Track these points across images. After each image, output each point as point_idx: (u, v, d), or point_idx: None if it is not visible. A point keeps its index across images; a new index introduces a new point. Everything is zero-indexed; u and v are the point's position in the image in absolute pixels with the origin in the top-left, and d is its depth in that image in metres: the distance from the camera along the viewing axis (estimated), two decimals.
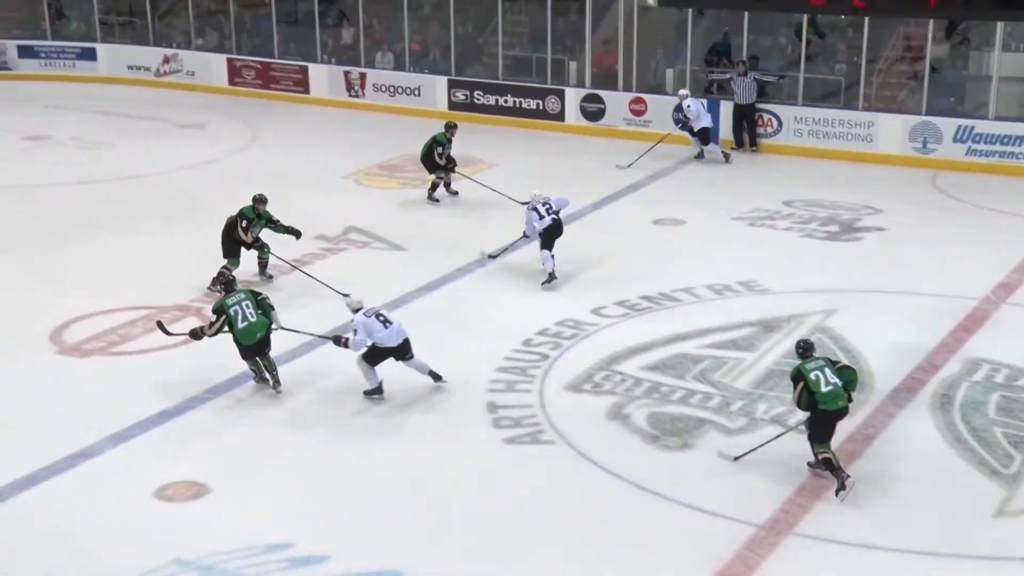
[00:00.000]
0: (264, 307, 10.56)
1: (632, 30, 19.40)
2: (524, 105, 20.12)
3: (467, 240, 14.39)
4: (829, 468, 8.94)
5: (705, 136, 17.93)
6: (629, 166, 17.33)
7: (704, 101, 18.16)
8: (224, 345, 10.97)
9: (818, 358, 9.15)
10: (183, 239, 14.19)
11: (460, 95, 20.75)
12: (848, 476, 8.90)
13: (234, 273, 12.01)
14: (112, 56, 23.26)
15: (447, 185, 16.43)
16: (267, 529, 8.44)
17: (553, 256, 13.01)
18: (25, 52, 23.28)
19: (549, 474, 9.29)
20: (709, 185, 16.90)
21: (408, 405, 10.33)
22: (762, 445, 9.34)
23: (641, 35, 19.42)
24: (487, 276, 13.41)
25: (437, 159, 16.08)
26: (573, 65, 20.20)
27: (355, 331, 10.29)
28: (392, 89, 21.35)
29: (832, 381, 8.94)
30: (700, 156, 18.10)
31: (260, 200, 12.99)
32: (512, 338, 11.58)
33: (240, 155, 18.54)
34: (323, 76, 21.83)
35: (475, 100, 20.65)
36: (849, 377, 9.10)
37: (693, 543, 8.36)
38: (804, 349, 9.21)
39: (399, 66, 21.59)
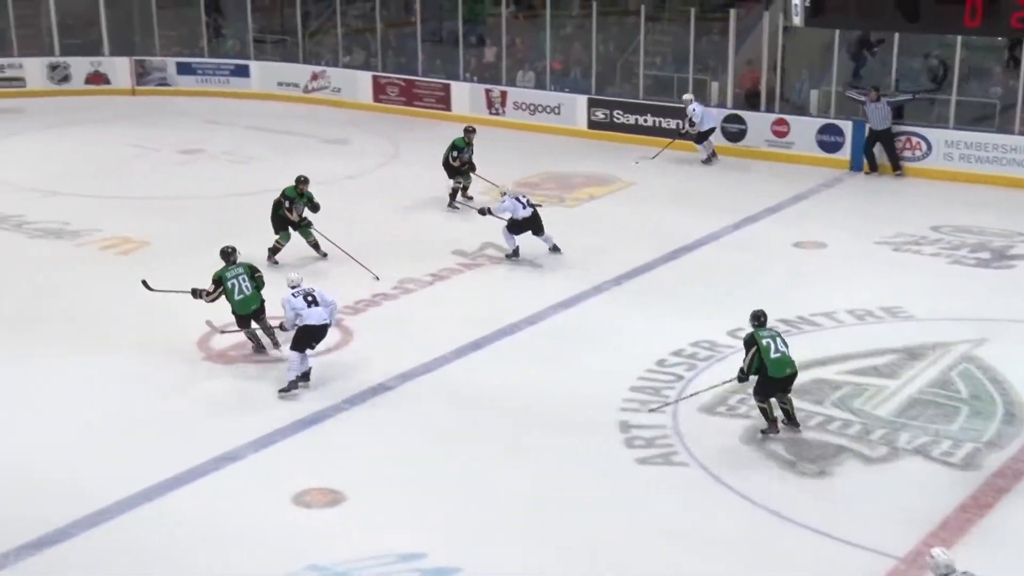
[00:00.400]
0: (258, 282, 11.48)
1: (777, 50, 19.12)
2: (664, 125, 20.01)
3: (602, 258, 14.35)
4: (764, 416, 9.97)
5: (704, 136, 18.68)
6: (636, 163, 17.62)
7: (712, 110, 18.94)
8: (362, 356, 11.16)
9: (770, 328, 10.04)
10: (323, 250, 14.46)
11: (600, 114, 20.74)
12: (778, 432, 9.83)
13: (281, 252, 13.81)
14: (264, 73, 23.97)
15: (464, 190, 16.40)
16: (401, 539, 8.53)
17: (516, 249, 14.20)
18: (184, 69, 24.15)
19: (681, 496, 9.18)
20: (852, 208, 16.51)
21: (540, 421, 10.33)
22: (695, 394, 10.15)
23: (786, 55, 19.12)
24: (621, 295, 13.34)
25: (452, 162, 16.16)
26: (715, 85, 20.00)
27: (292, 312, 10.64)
28: (532, 107, 21.48)
29: (780, 349, 9.81)
30: (708, 162, 18.79)
31: (302, 181, 14.20)
32: (646, 358, 11.48)
33: (382, 170, 18.87)
34: (465, 94, 22.10)
35: (615, 119, 20.61)
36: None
37: (830, 574, 8.14)
38: (758, 319, 10.06)
39: (540, 84, 21.70)
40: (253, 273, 11.54)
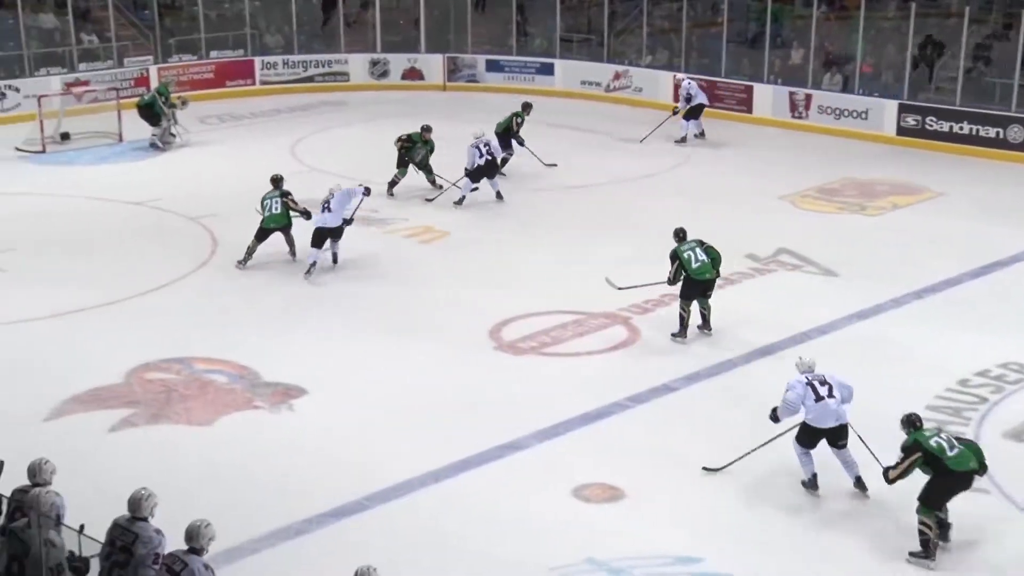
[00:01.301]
0: (284, 205, 13.80)
1: None
2: (982, 133, 18.79)
3: (903, 270, 13.67)
4: (683, 325, 11.66)
5: (696, 111, 19.66)
6: (642, 140, 17.57)
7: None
8: (648, 356, 11.09)
9: (691, 241, 11.68)
10: (614, 250, 14.50)
11: (911, 120, 19.74)
12: (685, 337, 11.60)
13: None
14: (568, 71, 24.32)
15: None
16: (678, 541, 8.44)
17: (475, 189, 16.30)
18: (492, 66, 24.88)
19: (982, 525, 8.59)
20: None
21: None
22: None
23: None
24: (923, 309, 12.67)
25: (516, 128, 17.70)
26: None
27: None
28: (838, 112, 20.73)
29: (700, 259, 11.57)
30: (682, 141, 19.65)
31: (427, 129, 16.82)
32: (946, 376, 10.84)
33: (677, 170, 18.74)
34: (767, 96, 21.60)
35: (927, 126, 19.56)
36: (713, 255, 11.71)
37: None
38: (679, 235, 11.81)
39: (847, 88, 20.92)
40: (284, 196, 13.88)
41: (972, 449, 8.37)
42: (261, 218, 13.91)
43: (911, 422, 8.55)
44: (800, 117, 21.14)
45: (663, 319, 12.43)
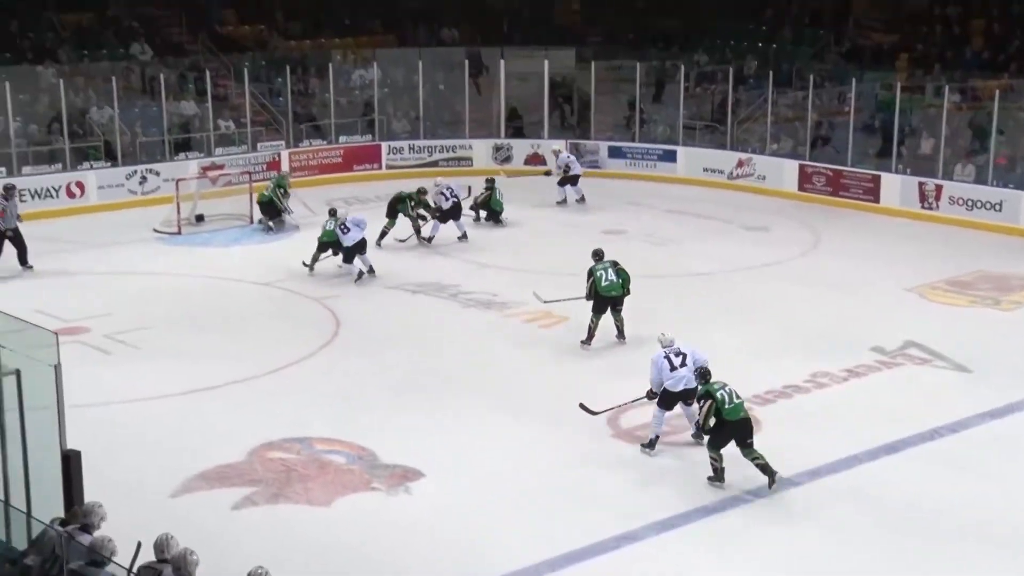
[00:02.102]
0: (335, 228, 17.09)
1: None
2: None
3: None
4: (590, 334, 13.77)
5: (574, 180, 21.75)
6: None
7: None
8: (769, 449, 10.91)
9: (605, 262, 13.85)
10: (735, 339, 14.33)
11: None
12: (589, 345, 13.86)
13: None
14: (690, 158, 24.39)
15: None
16: None
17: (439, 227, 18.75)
18: (614, 152, 25.09)
19: None
20: None
21: (959, 535, 9.60)
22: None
23: None
24: None
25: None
26: None
27: None
28: (970, 203, 20.31)
29: (611, 278, 13.78)
30: (563, 203, 21.75)
31: (423, 192, 18.88)
32: None
33: (801, 259, 18.55)
34: (895, 186, 21.30)
35: None
36: (624, 276, 13.94)
37: None
38: (596, 256, 14.08)
39: (980, 179, 20.51)
40: (334, 215, 17.39)
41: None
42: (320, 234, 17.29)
43: (703, 375, 10.85)
44: (930, 208, 20.76)
45: (785, 411, 12.22)
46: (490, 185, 20.81)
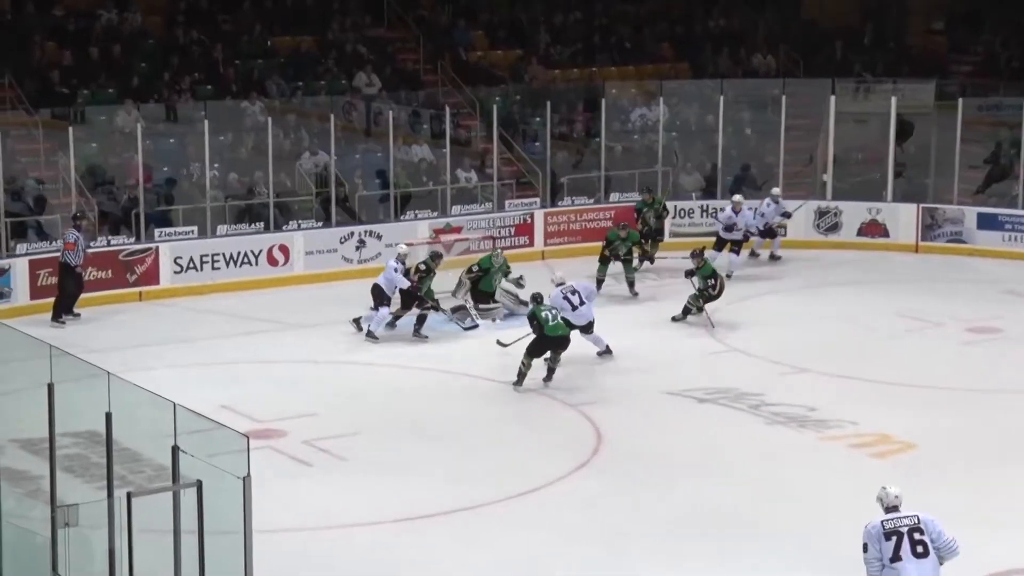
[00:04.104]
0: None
1: None
2: None
3: None
4: (521, 375, 17.15)
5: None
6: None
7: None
8: None
9: (547, 306, 17.30)
10: None
11: None
12: (520, 385, 17.19)
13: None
14: None
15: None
16: None
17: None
18: (986, 222, 24.24)
19: None
20: None
21: None
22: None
23: None
24: None
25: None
26: None
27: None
28: None
29: (557, 320, 17.10)
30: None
31: (437, 256, 20.02)
32: None
33: None
34: None
35: None
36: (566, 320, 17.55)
37: None
38: (536, 299, 17.42)
39: None
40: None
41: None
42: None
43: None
44: None
45: None
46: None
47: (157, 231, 21.88)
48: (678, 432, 15.76)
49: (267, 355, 18.88)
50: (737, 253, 22.74)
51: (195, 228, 22.24)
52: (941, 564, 9.73)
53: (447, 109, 24.83)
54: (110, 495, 9.22)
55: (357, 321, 19.50)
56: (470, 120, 26.39)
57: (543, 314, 16.99)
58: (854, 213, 24.98)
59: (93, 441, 10.03)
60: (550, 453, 15.01)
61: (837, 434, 15.52)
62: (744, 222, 22.74)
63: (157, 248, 21.61)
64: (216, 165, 23.29)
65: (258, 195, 23.13)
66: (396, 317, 19.57)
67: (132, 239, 21.68)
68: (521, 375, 17.08)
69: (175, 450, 9.02)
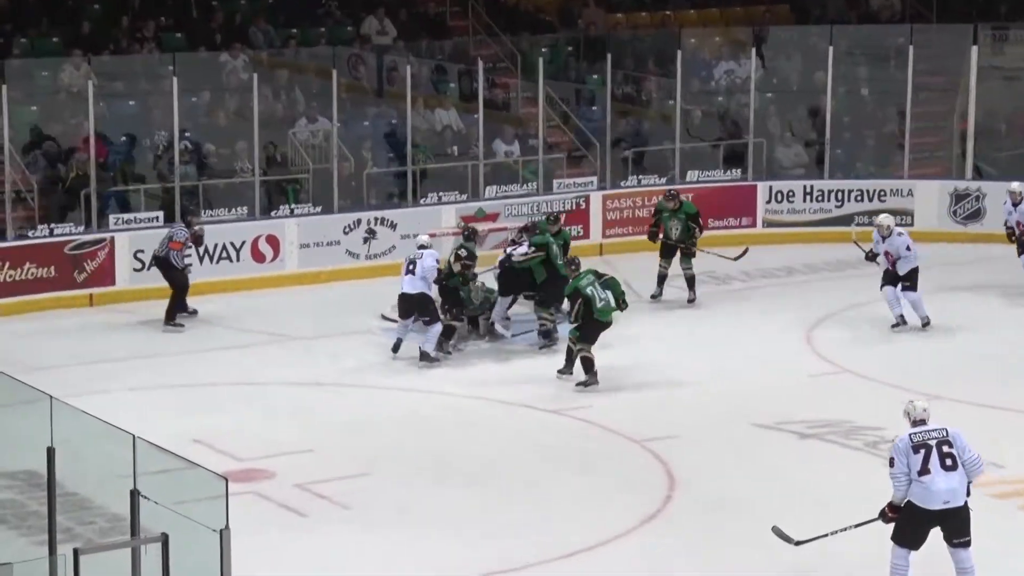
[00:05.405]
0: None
1: None
2: None
3: None
4: (569, 356, 17.86)
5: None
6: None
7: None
8: None
9: (586, 273, 17.45)
10: None
11: None
12: (596, 383, 17.74)
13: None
14: None
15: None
16: None
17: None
18: None
19: None
20: None
21: None
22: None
23: None
24: None
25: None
26: None
27: None
28: None
29: (603, 296, 17.28)
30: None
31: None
32: None
33: None
34: None
35: None
36: (616, 289, 17.81)
37: None
38: (573, 264, 17.95)
39: None
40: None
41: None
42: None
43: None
44: None
45: None
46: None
47: (112, 217, 22.01)
48: (772, 476, 15.75)
49: (251, 376, 19.00)
50: None
51: (160, 214, 22.36)
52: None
53: (480, 63, 24.85)
54: (52, 552, 9.27)
55: (397, 346, 19.30)
56: (509, 77, 26.36)
57: (588, 291, 17.15)
58: (1000, 197, 24.78)
59: (31, 484, 10.10)
60: (609, 502, 15.01)
61: (979, 480, 15.47)
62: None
63: (112, 239, 21.80)
64: (188, 134, 23.38)
65: (240, 172, 23.17)
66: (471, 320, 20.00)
67: (81, 227, 21.82)
68: (570, 358, 17.79)
69: (134, 495, 9.07)
